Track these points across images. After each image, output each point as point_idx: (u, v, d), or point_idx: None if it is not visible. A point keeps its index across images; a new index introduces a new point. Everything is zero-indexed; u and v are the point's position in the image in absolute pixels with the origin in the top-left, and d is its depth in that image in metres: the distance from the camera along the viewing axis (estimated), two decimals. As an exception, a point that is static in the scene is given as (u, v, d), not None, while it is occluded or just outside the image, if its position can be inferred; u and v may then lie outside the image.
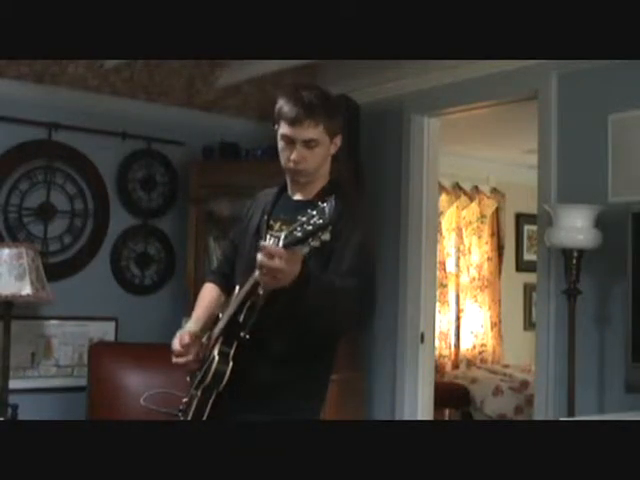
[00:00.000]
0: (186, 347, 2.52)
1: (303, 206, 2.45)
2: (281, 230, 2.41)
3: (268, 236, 2.41)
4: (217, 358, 2.40)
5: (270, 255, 2.16)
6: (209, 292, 2.75)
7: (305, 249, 2.20)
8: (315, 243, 2.18)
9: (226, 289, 2.69)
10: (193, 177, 4.99)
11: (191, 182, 5.00)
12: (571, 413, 3.62)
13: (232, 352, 2.40)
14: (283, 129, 2.48)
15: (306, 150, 2.47)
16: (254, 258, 2.27)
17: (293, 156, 2.47)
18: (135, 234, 5.10)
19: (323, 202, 2.16)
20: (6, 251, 4.25)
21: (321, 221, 2.13)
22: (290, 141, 2.47)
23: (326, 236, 2.19)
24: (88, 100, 4.87)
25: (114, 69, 4.74)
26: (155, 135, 5.11)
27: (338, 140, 2.53)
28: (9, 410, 4.21)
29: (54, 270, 4.68)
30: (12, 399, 4.26)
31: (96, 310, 4.89)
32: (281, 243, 2.17)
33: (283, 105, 2.48)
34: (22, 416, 4.23)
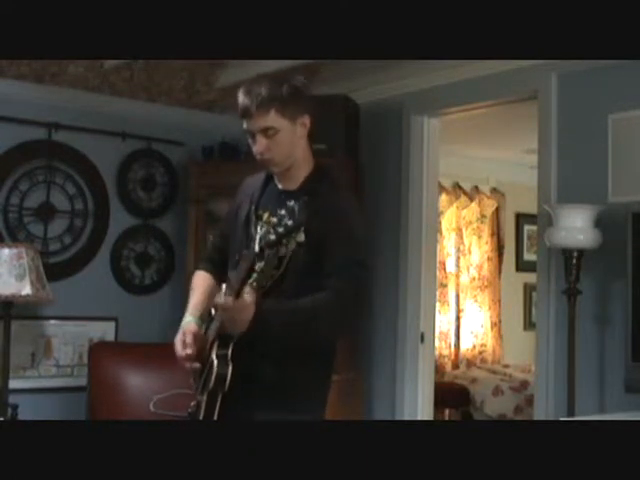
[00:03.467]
0: (190, 350, 2.49)
1: (289, 196, 2.51)
2: (269, 221, 2.45)
3: (259, 227, 2.46)
4: (216, 362, 2.39)
5: (223, 309, 2.31)
6: (202, 280, 2.72)
7: (260, 289, 2.33)
8: (291, 245, 2.28)
9: (218, 277, 2.68)
10: (193, 177, 4.99)
11: (191, 182, 5.00)
12: (571, 413, 3.62)
13: (230, 353, 2.39)
14: (244, 124, 2.51)
15: (266, 139, 2.46)
16: (247, 248, 2.40)
17: (255, 147, 2.49)
18: (135, 234, 5.10)
19: (291, 201, 2.29)
20: (6, 251, 4.25)
21: (291, 222, 2.21)
22: (251, 134, 2.49)
23: (300, 237, 2.28)
24: (88, 100, 4.88)
25: (114, 69, 4.74)
26: (155, 135, 5.11)
27: (306, 120, 2.51)
28: (9, 410, 4.21)
29: (54, 270, 4.68)
30: (12, 399, 4.26)
31: (96, 310, 4.89)
32: (257, 249, 2.27)
33: (238, 100, 2.50)
34: (22, 416, 4.23)
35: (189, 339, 2.51)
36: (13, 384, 4.35)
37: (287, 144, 2.48)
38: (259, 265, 2.38)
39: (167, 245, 5.20)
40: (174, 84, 5.05)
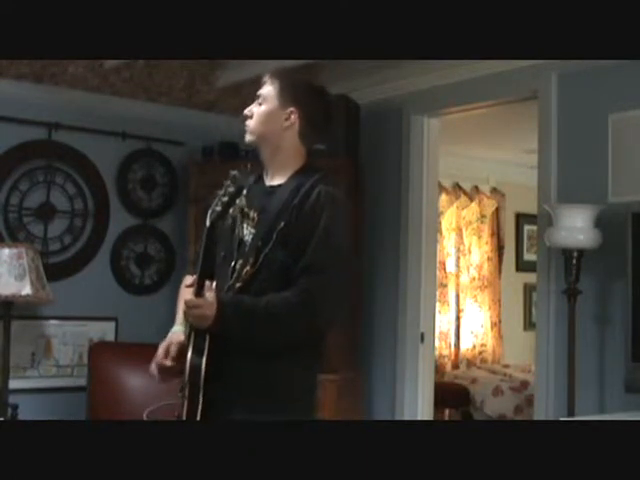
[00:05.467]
0: (171, 362, 2.47)
1: (274, 190, 2.53)
2: (252, 218, 2.51)
3: (244, 225, 2.51)
4: (191, 352, 2.40)
5: (188, 306, 2.37)
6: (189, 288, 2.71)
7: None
8: (235, 212, 2.43)
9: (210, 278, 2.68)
10: (193, 177, 4.99)
11: (191, 182, 5.00)
12: (571, 413, 3.62)
13: (206, 344, 2.39)
14: None
15: (255, 105, 2.58)
16: (230, 247, 2.47)
17: (247, 109, 2.60)
18: (135, 234, 5.10)
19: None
20: (6, 251, 4.25)
21: (232, 189, 2.35)
22: None
23: (242, 202, 2.44)
24: (88, 100, 4.88)
25: (114, 69, 4.74)
26: (155, 135, 5.11)
27: (294, 116, 2.53)
28: (9, 410, 4.22)
29: (54, 270, 4.68)
30: (12, 399, 4.26)
31: (96, 310, 4.89)
32: (207, 222, 2.39)
33: None
34: (22, 416, 4.23)
35: (174, 351, 2.48)
36: (13, 384, 4.35)
37: (265, 119, 2.54)
38: (238, 263, 2.43)
39: (167, 245, 5.20)
40: (174, 84, 5.05)
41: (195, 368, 2.38)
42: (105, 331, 4.91)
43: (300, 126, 2.54)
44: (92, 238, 4.93)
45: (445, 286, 7.44)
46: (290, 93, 2.54)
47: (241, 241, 2.51)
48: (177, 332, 2.56)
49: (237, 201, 2.40)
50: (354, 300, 4.70)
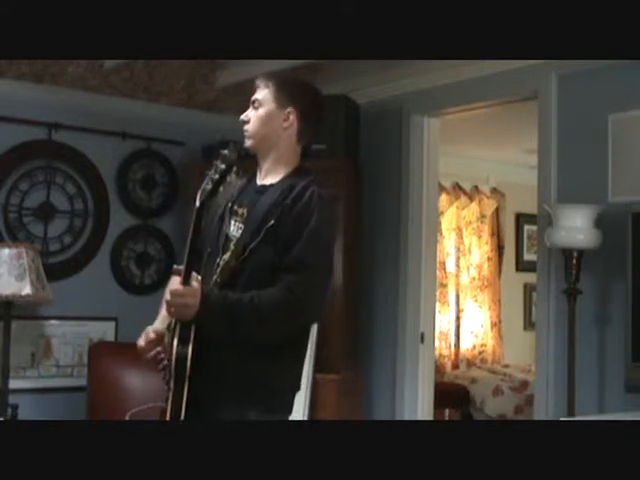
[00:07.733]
0: (150, 344, 2.54)
1: (265, 189, 2.55)
2: (241, 215, 2.53)
3: (232, 222, 2.54)
4: (176, 342, 2.41)
5: (173, 295, 2.36)
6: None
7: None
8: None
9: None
10: (193, 177, 4.98)
11: (191, 182, 4.99)
12: (571, 413, 3.62)
13: (192, 335, 2.40)
14: None
15: (252, 110, 2.59)
16: (216, 243, 2.50)
17: (243, 115, 2.61)
18: (135, 234, 5.10)
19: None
20: (6, 251, 4.25)
21: (223, 165, 2.37)
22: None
23: (231, 177, 2.42)
24: (88, 100, 4.88)
25: (114, 69, 4.74)
26: (155, 135, 5.11)
27: (292, 116, 2.56)
28: (9, 410, 4.22)
29: (54, 270, 4.68)
30: (12, 399, 4.26)
31: (96, 310, 4.89)
32: (197, 203, 2.37)
33: None
34: (22, 416, 4.23)
35: (151, 335, 2.55)
36: (13, 384, 4.35)
37: (264, 121, 2.56)
38: (223, 257, 2.46)
39: (167, 245, 5.20)
40: (174, 84, 5.05)
41: (180, 358, 2.39)
42: (105, 331, 4.91)
43: (298, 125, 2.57)
44: (92, 238, 4.93)
45: (445, 286, 7.44)
46: (286, 93, 2.56)
47: (227, 237, 2.53)
48: (155, 326, 2.61)
49: (227, 179, 2.40)
50: (354, 300, 4.71)
